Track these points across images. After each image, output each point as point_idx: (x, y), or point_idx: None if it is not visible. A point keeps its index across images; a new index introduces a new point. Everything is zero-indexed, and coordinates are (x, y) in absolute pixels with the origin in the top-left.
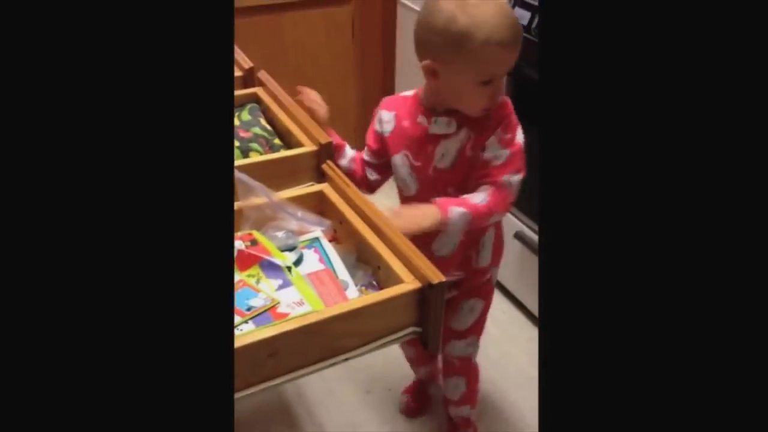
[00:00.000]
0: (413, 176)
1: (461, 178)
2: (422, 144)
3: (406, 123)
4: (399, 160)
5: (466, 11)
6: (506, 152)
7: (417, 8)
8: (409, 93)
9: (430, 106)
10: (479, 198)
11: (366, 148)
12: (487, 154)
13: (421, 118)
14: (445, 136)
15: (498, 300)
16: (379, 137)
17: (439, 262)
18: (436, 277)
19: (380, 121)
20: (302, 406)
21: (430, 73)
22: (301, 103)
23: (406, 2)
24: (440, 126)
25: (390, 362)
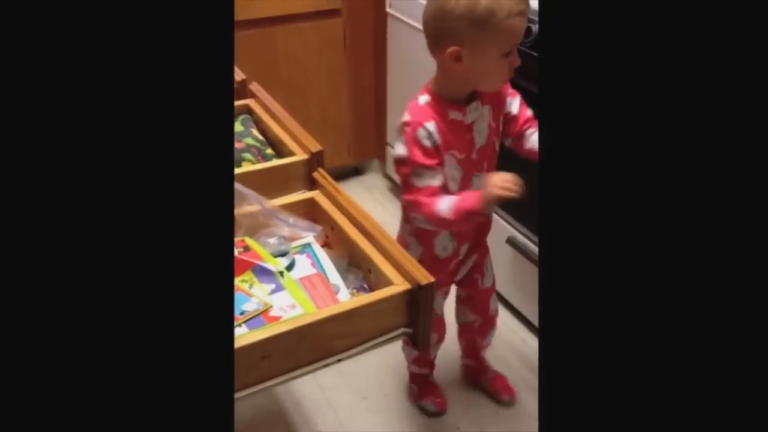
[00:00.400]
0: (460, 169)
1: (491, 148)
2: (462, 136)
3: (443, 126)
4: (446, 160)
5: None
6: (519, 98)
7: (406, 19)
8: (422, 99)
9: (453, 99)
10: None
11: (434, 175)
12: (513, 109)
13: (453, 114)
14: (475, 120)
15: None
16: (435, 149)
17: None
18: (425, 278)
19: (429, 136)
20: (299, 415)
21: (455, 58)
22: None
23: (396, 13)
24: (473, 113)
25: (386, 369)
